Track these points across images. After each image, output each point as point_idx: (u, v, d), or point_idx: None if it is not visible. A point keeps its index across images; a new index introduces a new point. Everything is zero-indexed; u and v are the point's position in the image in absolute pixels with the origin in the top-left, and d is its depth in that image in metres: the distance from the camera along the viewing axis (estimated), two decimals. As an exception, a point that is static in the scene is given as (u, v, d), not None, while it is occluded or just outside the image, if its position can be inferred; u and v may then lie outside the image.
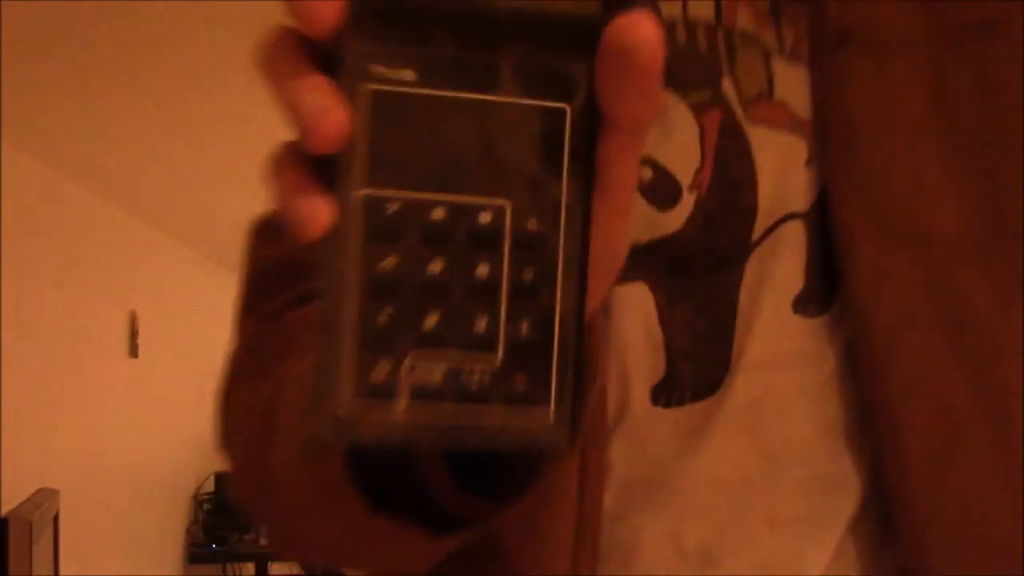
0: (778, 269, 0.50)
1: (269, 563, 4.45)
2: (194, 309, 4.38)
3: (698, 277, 0.50)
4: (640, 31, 0.25)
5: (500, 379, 0.26)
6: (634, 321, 0.50)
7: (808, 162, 0.51)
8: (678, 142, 0.50)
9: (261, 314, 0.57)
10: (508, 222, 0.26)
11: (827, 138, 0.50)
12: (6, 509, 2.06)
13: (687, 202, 0.50)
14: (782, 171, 0.51)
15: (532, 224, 0.26)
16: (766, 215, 0.50)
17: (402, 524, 0.38)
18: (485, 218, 0.25)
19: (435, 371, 0.26)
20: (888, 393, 0.48)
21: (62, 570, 2.30)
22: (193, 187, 3.13)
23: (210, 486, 4.41)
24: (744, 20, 0.52)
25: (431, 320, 0.25)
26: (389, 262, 0.25)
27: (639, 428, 0.50)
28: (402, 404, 0.26)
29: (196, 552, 4.22)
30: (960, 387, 0.49)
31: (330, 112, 0.26)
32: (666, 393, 0.50)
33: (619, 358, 0.50)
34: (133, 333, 3.45)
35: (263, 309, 0.57)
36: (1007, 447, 0.49)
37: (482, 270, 0.26)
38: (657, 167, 0.50)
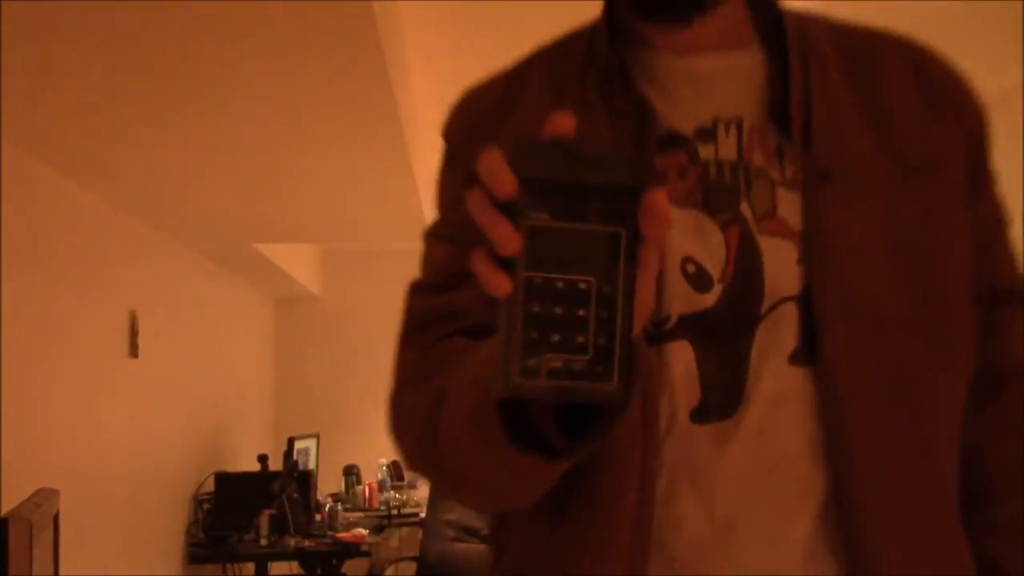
0: (778, 334, 0.74)
1: (269, 563, 4.46)
2: (194, 309, 4.38)
3: (723, 338, 0.74)
4: (661, 204, 0.52)
5: (590, 367, 0.52)
6: (679, 366, 0.74)
7: (799, 261, 0.75)
8: (711, 248, 0.75)
9: (418, 345, 0.82)
10: (594, 289, 0.52)
11: (812, 246, 0.75)
12: (6, 509, 2.05)
13: (717, 288, 0.75)
14: (781, 268, 0.75)
15: (605, 288, 0.52)
16: (770, 298, 0.75)
17: (529, 457, 0.63)
18: (584, 286, 0.52)
19: (558, 362, 0.52)
20: (847, 425, 0.73)
21: (62, 570, 2.30)
22: (193, 187, 3.13)
23: (210, 486, 4.42)
24: (757, 159, 0.77)
25: (556, 336, 0.52)
26: (535, 307, 0.52)
27: (682, 438, 0.74)
28: (542, 379, 0.52)
29: (196, 552, 4.22)
30: (897, 425, 0.74)
31: (510, 238, 0.51)
32: (700, 415, 0.74)
33: (669, 391, 0.74)
34: (133, 333, 3.45)
35: (420, 342, 0.82)
36: (930, 470, 0.76)
37: (582, 312, 0.52)
38: (697, 264, 0.75)
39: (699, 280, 0.75)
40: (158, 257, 3.84)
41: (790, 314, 0.74)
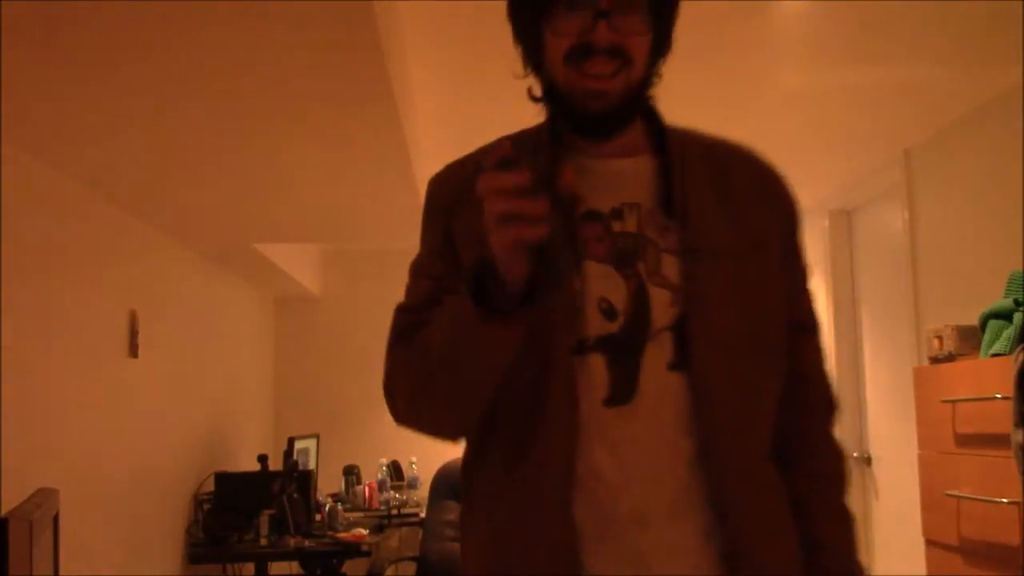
0: (660, 351, 1.13)
1: (269, 563, 4.45)
2: (194, 309, 4.38)
3: (623, 353, 1.13)
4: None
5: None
6: (596, 370, 1.13)
7: (672, 304, 1.14)
8: (617, 292, 1.14)
9: (403, 344, 1.22)
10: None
11: (685, 294, 1.14)
12: (6, 509, 2.06)
13: (620, 319, 1.14)
14: (662, 308, 1.14)
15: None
16: (654, 327, 1.14)
17: (492, 322, 1.04)
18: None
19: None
20: (711, 410, 1.13)
21: (62, 570, 2.30)
22: (193, 187, 3.13)
23: (210, 486, 4.41)
24: (650, 232, 1.17)
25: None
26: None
27: (598, 417, 1.12)
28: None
29: (196, 552, 4.22)
30: (739, 410, 1.14)
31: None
32: (609, 402, 1.12)
33: (588, 386, 1.12)
34: (133, 333, 3.45)
35: (405, 343, 1.21)
36: (758, 438, 1.18)
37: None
38: (608, 302, 1.14)
39: (609, 313, 1.14)
40: (158, 257, 3.84)
41: (667, 339, 1.14)
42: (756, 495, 1.15)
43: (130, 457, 3.44)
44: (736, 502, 1.12)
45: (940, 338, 3.02)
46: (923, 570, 2.97)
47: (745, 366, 1.15)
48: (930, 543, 2.93)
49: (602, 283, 1.14)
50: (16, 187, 2.52)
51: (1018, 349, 2.20)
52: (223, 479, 4.44)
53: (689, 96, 3.28)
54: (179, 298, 4.13)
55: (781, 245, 1.23)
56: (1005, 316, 2.71)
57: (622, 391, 1.12)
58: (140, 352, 3.49)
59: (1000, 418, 2.40)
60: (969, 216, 3.57)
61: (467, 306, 1.04)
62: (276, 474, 4.52)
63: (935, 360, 3.05)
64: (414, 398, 1.18)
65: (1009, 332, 2.65)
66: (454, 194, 1.23)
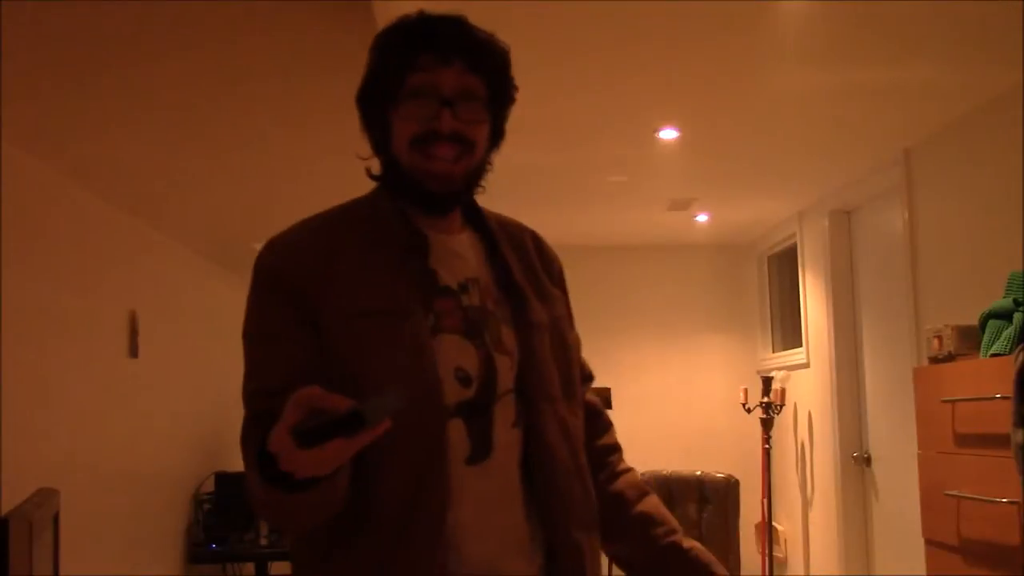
0: (505, 411, 1.26)
1: (269, 563, 4.45)
2: (194, 309, 4.38)
3: (478, 413, 1.24)
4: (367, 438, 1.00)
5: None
6: (456, 434, 1.22)
7: (511, 368, 1.28)
8: (470, 361, 1.24)
9: (253, 441, 1.12)
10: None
11: (521, 357, 1.30)
12: (6, 509, 2.06)
13: (474, 385, 1.24)
14: (505, 373, 1.27)
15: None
16: (500, 390, 1.26)
17: (276, 490, 1.03)
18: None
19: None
20: (549, 454, 1.28)
21: (62, 570, 2.30)
22: (192, 187, 3.13)
23: (210, 486, 4.41)
24: (490, 305, 1.30)
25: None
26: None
27: (463, 474, 1.21)
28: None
29: (196, 552, 4.22)
30: (566, 450, 1.31)
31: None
32: (471, 460, 1.23)
33: (452, 448, 1.21)
34: (133, 333, 3.45)
35: (254, 439, 1.11)
36: (581, 467, 1.34)
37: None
38: (464, 371, 1.24)
39: (465, 381, 1.24)
40: (158, 257, 3.84)
41: (510, 400, 1.27)
42: (587, 534, 1.32)
43: (130, 457, 3.44)
44: (568, 542, 1.28)
45: (940, 338, 3.02)
46: (923, 570, 2.97)
47: (565, 412, 1.33)
48: (930, 543, 2.93)
49: (457, 353, 1.24)
50: (16, 187, 2.52)
51: (1018, 349, 2.20)
52: (223, 479, 4.44)
53: (689, 96, 3.28)
54: (179, 298, 4.13)
55: (566, 310, 1.43)
56: (1005, 316, 2.71)
57: (481, 449, 1.23)
58: (140, 352, 3.49)
59: (1000, 418, 2.40)
60: (969, 216, 3.57)
61: (253, 466, 1.05)
62: (276, 474, 4.52)
63: (935, 360, 3.05)
64: (257, 511, 1.17)
65: (1009, 332, 2.65)
66: (308, 271, 1.24)
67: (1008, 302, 2.71)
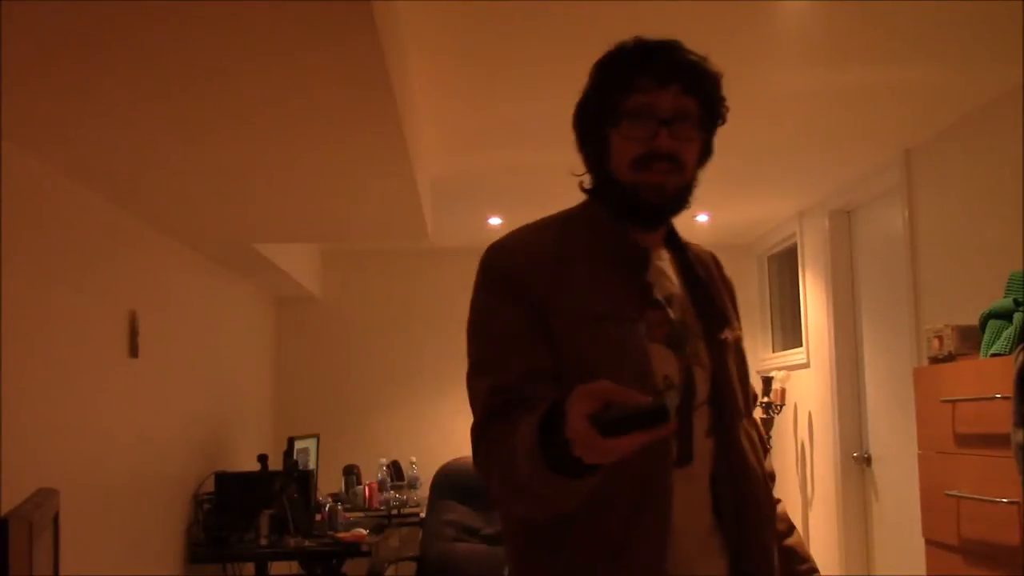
0: (700, 420, 1.35)
1: (269, 563, 4.45)
2: (194, 309, 4.38)
3: (682, 419, 1.28)
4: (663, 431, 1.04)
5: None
6: (670, 443, 1.31)
7: (706, 381, 1.36)
8: (673, 370, 1.33)
9: (500, 420, 1.28)
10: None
11: (714, 371, 1.38)
12: (6, 509, 2.06)
13: (675, 391, 1.29)
14: (702, 384, 1.36)
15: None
16: (699, 400, 1.35)
17: (560, 475, 1.11)
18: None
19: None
20: (743, 467, 1.39)
21: (62, 570, 2.30)
22: (193, 187, 3.13)
23: (210, 486, 4.41)
24: (689, 319, 1.39)
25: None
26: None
27: (673, 477, 1.30)
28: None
29: (196, 552, 4.22)
30: (757, 463, 1.42)
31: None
32: (677, 464, 1.31)
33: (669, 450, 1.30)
34: (133, 333, 3.45)
35: (500, 420, 1.28)
36: (767, 483, 1.46)
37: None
38: (669, 380, 1.31)
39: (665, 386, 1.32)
40: (158, 257, 3.84)
41: (705, 410, 1.36)
42: (773, 541, 1.42)
43: (130, 457, 3.44)
44: (760, 547, 1.37)
45: (940, 338, 3.02)
46: (923, 570, 2.97)
47: (751, 430, 1.44)
48: (930, 543, 2.93)
49: (664, 363, 1.32)
50: (16, 187, 2.52)
51: (1018, 349, 2.20)
52: (223, 479, 4.44)
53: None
54: (179, 298, 4.13)
55: (742, 330, 1.52)
56: (1005, 316, 2.71)
57: (684, 455, 1.31)
58: (140, 352, 3.49)
59: (1000, 418, 2.40)
60: (969, 216, 3.56)
61: (537, 453, 1.12)
62: (276, 474, 4.52)
63: (935, 360, 3.05)
64: (510, 499, 1.29)
65: (1009, 332, 2.65)
66: (541, 275, 1.34)
67: (1008, 302, 2.71)
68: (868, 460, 4.68)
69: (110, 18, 1.76)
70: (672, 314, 1.37)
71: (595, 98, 1.40)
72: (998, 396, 2.48)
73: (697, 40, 2.78)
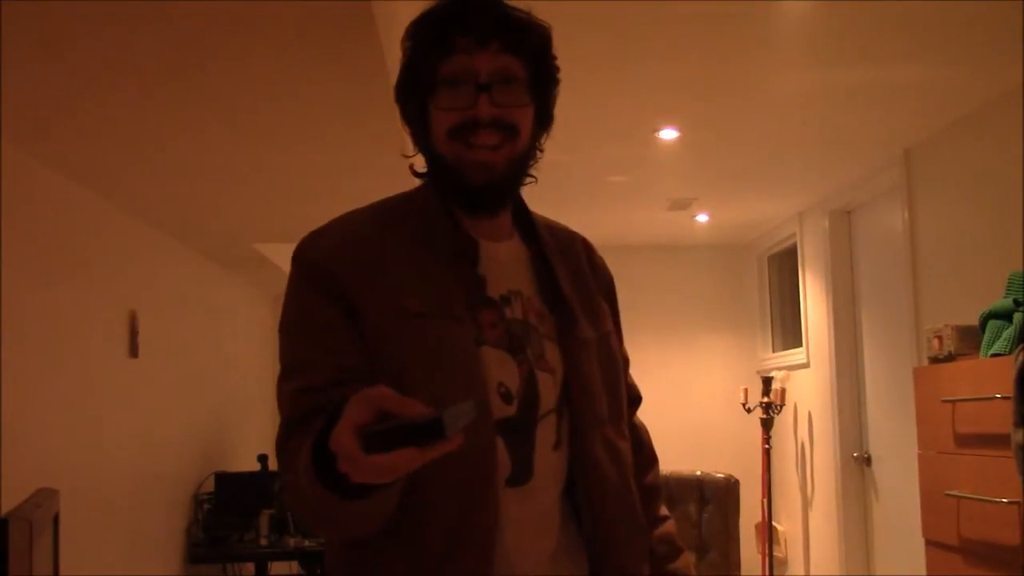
0: (545, 432, 1.19)
1: (269, 563, 4.45)
2: (194, 309, 4.38)
3: (519, 432, 1.17)
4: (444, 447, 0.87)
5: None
6: (499, 450, 1.15)
7: (554, 387, 1.21)
8: (512, 377, 1.18)
9: (298, 435, 1.09)
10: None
11: (566, 375, 1.22)
12: (6, 509, 2.05)
13: (515, 402, 1.17)
14: (548, 392, 1.20)
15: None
16: (543, 409, 1.19)
17: (335, 498, 0.95)
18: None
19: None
20: (598, 479, 1.22)
21: (62, 570, 2.30)
22: (193, 187, 3.13)
23: (210, 486, 4.41)
24: (532, 319, 1.22)
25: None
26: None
27: (504, 497, 1.14)
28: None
29: (196, 552, 4.22)
30: (614, 473, 1.24)
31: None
32: (511, 482, 1.16)
33: (497, 467, 1.14)
34: (133, 333, 3.45)
35: (298, 433, 1.09)
36: (631, 492, 1.27)
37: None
38: (505, 387, 1.17)
39: (506, 397, 1.17)
40: (158, 257, 3.84)
41: (552, 420, 1.20)
42: (638, 564, 1.27)
43: (130, 457, 3.44)
44: (611, 564, 1.22)
45: (940, 338, 3.02)
46: (923, 570, 2.97)
47: (612, 434, 1.26)
48: (930, 543, 2.93)
49: (499, 368, 1.16)
50: (16, 187, 2.52)
51: (1018, 349, 2.20)
52: (223, 479, 4.44)
53: (689, 96, 3.28)
54: (179, 298, 4.13)
55: (616, 323, 1.36)
56: (1005, 316, 2.71)
57: (522, 472, 1.16)
58: (140, 352, 3.49)
59: (1000, 418, 2.40)
60: (969, 216, 3.56)
61: (311, 468, 0.96)
62: (276, 474, 4.52)
63: (935, 360, 3.05)
64: (306, 520, 1.13)
65: (1009, 332, 2.65)
66: (356, 269, 1.16)
67: (1008, 302, 2.71)
68: (868, 460, 4.68)
69: (110, 20, 1.76)
70: (509, 313, 1.20)
71: (409, 67, 1.20)
72: (998, 396, 2.48)
73: (697, 40, 2.76)
